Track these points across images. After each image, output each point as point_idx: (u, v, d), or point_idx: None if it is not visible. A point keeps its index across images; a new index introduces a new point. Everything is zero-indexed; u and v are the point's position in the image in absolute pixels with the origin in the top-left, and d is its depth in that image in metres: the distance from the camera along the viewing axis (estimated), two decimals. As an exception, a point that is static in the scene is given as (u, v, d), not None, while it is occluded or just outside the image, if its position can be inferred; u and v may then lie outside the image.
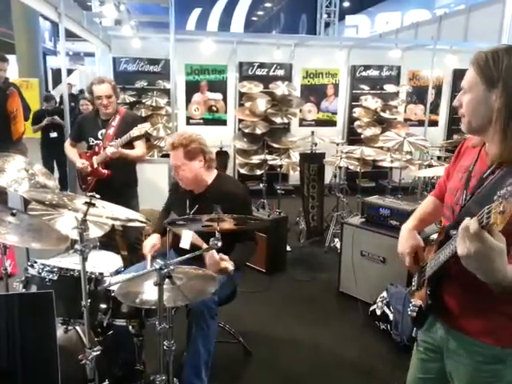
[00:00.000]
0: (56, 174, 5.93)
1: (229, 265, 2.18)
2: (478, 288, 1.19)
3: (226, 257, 2.19)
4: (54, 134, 5.98)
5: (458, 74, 7.36)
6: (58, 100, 6.93)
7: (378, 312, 3.09)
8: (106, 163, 3.26)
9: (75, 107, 6.56)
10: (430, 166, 4.57)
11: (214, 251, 2.09)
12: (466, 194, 1.29)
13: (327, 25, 17.34)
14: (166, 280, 1.64)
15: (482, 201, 1.19)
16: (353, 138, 7.17)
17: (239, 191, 2.47)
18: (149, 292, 1.77)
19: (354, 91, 7.34)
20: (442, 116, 7.84)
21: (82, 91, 8.92)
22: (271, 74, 6.99)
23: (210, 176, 2.49)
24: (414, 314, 1.43)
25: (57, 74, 13.59)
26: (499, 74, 1.16)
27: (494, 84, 1.17)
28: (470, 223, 0.97)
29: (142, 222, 1.89)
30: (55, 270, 1.96)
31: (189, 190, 2.49)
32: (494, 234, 0.96)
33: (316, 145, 5.49)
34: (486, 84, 1.19)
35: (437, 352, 1.43)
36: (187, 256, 1.80)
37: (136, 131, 3.14)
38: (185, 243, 2.41)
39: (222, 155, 6.40)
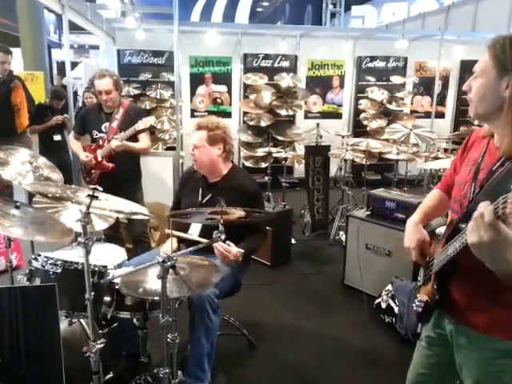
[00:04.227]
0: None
1: (238, 249, 2.18)
2: (487, 283, 1.19)
3: (232, 244, 2.19)
4: (58, 137, 5.02)
5: (466, 66, 7.26)
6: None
7: (383, 305, 3.07)
8: (110, 156, 3.26)
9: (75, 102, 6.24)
10: (436, 158, 4.52)
11: (217, 245, 2.09)
12: (475, 187, 1.26)
13: (333, 15, 17.14)
14: (170, 271, 1.64)
15: (491, 193, 1.16)
16: (358, 130, 7.12)
17: (251, 185, 2.49)
18: (152, 282, 1.76)
19: (359, 83, 7.27)
20: (449, 108, 7.76)
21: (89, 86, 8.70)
22: (276, 65, 6.94)
23: (226, 167, 2.52)
24: (420, 309, 1.42)
25: (62, 67, 13.57)
26: None
27: (507, 72, 1.14)
28: (486, 212, 0.95)
29: (145, 214, 1.89)
30: (59, 262, 1.96)
31: (203, 178, 2.52)
32: (508, 224, 0.94)
33: (321, 137, 5.45)
34: (498, 70, 1.15)
35: (442, 346, 1.42)
36: (191, 249, 1.80)
37: (141, 125, 3.14)
38: (194, 231, 2.42)
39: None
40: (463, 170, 1.38)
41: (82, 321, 2.07)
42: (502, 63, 1.15)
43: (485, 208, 0.96)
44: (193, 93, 6.90)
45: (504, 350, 1.24)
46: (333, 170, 5.78)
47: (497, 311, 1.24)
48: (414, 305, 1.46)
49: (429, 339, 1.48)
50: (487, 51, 1.19)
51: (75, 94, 7.80)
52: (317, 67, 7.23)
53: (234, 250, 2.17)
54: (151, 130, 3.69)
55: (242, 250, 2.20)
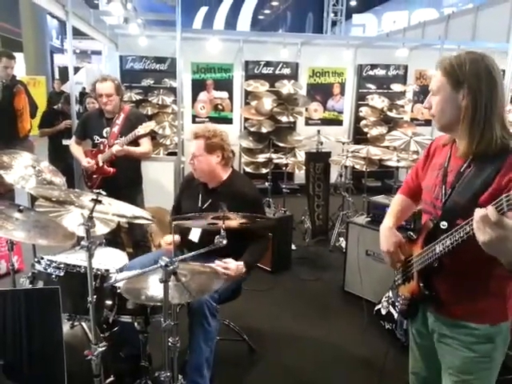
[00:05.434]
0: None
1: (237, 263, 2.19)
2: (468, 275, 1.32)
3: (228, 260, 2.20)
4: (67, 142, 4.53)
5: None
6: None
7: (383, 311, 3.08)
8: (111, 161, 3.28)
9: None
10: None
11: (215, 266, 2.11)
12: (446, 188, 1.37)
13: (334, 23, 17.27)
14: (172, 277, 1.64)
15: (464, 192, 1.29)
16: (359, 137, 7.15)
17: (251, 191, 2.50)
18: (153, 288, 1.77)
19: (360, 90, 7.31)
20: (449, 116, 7.79)
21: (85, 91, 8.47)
22: (277, 72, 6.98)
23: (226, 173, 2.52)
24: (405, 306, 1.50)
25: (64, 72, 13.66)
26: (464, 76, 1.27)
27: (460, 85, 1.28)
28: (489, 212, 1.03)
29: (147, 219, 1.90)
30: (62, 266, 1.98)
31: (203, 184, 2.52)
32: (507, 216, 1.03)
33: (322, 144, 5.48)
34: (453, 85, 1.29)
35: (431, 339, 1.48)
36: (192, 253, 1.81)
37: (141, 130, 3.17)
38: (194, 236, 2.43)
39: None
40: (430, 174, 1.48)
41: (83, 324, 2.07)
42: (454, 79, 1.29)
43: (486, 210, 1.04)
44: (194, 99, 6.93)
45: (484, 335, 1.33)
46: (333, 177, 5.79)
47: (479, 300, 1.33)
48: (397, 303, 1.54)
49: (420, 333, 1.56)
50: (439, 71, 1.33)
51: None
52: (318, 75, 7.27)
53: (233, 265, 2.18)
54: (152, 135, 3.71)
55: (241, 263, 2.21)
